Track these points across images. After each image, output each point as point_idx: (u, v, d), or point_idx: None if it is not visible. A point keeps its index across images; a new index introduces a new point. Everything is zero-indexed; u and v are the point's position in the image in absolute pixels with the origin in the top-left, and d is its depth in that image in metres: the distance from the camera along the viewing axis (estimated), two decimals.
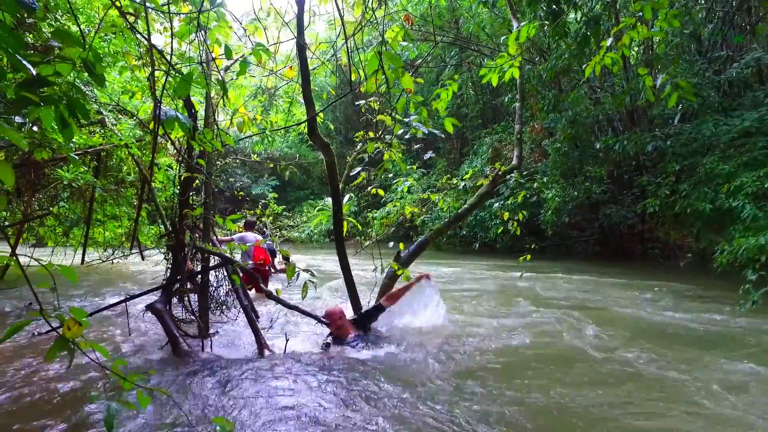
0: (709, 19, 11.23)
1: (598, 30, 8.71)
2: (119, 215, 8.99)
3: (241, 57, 3.66)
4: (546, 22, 6.70)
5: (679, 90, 4.03)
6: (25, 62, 1.13)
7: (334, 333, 4.22)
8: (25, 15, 5.51)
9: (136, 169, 6.90)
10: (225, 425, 2.40)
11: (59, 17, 5.86)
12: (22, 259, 1.81)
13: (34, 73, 1.17)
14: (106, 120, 6.95)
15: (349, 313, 4.58)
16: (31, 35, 5.47)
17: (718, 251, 7.37)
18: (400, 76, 2.62)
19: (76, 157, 6.54)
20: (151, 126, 4.32)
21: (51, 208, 8.33)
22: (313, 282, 3.43)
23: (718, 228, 8.94)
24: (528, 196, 8.90)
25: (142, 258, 7.77)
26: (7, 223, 8.20)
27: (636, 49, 13.76)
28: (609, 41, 4.69)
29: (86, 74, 1.52)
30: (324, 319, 4.22)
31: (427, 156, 5.40)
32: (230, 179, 25.05)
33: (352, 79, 4.67)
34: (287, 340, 3.90)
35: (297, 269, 3.33)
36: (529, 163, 14.36)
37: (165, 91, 3.18)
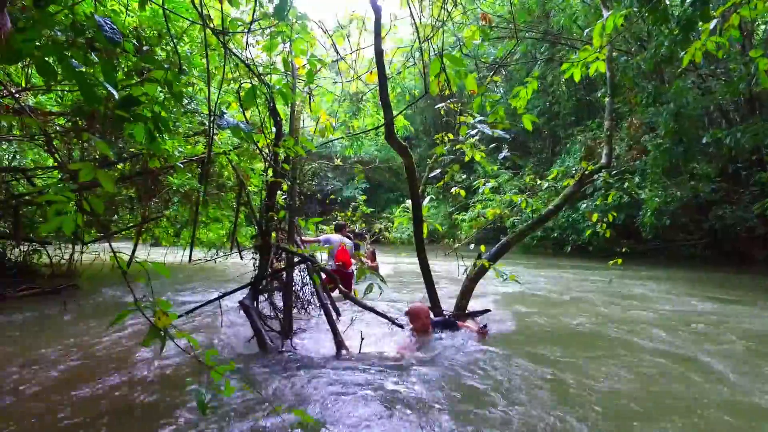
0: None
1: (707, 11, 7.85)
2: (221, 218, 9.82)
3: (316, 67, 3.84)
4: (640, 9, 6.18)
5: None
6: (108, 86, 1.32)
7: (418, 330, 4.28)
8: (144, 43, 6.26)
9: (235, 174, 7.49)
10: (305, 418, 2.55)
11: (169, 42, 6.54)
12: (127, 257, 2.08)
13: (115, 94, 1.36)
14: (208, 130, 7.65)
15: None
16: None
17: None
18: (464, 78, 2.60)
19: (181, 166, 7.30)
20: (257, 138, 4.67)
21: (164, 212, 9.35)
22: (380, 287, 4.03)
23: None
24: (620, 196, 8.25)
25: (241, 257, 8.43)
26: (130, 224, 9.41)
27: (763, 27, 12.22)
28: (713, 23, 4.25)
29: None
30: (397, 322, 4.32)
31: (501, 155, 5.27)
32: (322, 183, 26.13)
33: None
34: (362, 339, 4.01)
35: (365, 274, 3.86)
36: (626, 161, 13.31)
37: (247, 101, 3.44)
